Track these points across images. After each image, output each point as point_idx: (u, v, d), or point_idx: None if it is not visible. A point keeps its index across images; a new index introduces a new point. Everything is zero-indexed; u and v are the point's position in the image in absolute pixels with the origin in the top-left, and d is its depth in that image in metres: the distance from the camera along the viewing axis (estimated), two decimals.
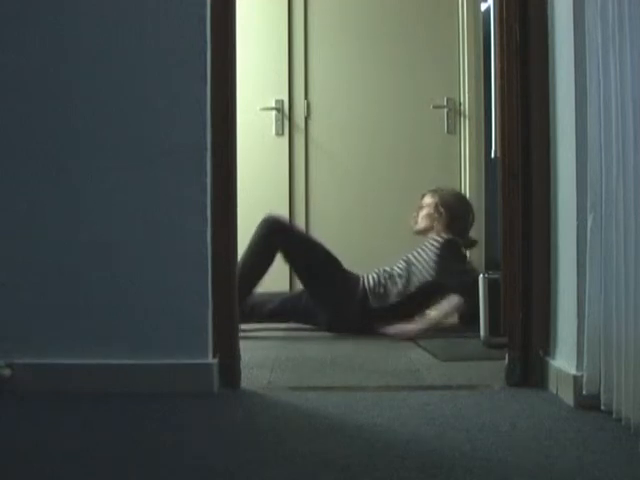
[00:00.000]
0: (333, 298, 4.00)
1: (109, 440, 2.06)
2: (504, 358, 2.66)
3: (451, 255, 3.99)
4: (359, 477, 1.73)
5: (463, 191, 4.70)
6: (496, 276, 3.15)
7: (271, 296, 4.07)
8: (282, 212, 4.43)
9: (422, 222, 4.15)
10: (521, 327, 2.62)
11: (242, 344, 2.71)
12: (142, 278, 2.57)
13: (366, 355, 3.36)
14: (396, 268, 4.04)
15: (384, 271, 4.05)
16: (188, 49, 2.56)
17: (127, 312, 2.56)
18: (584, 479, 1.70)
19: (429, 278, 3.95)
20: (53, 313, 2.56)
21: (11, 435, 2.11)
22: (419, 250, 4.05)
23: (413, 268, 3.99)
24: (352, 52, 4.82)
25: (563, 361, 2.46)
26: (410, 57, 4.78)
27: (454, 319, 4.06)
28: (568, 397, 2.35)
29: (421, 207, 4.18)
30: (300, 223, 4.64)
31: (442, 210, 4.09)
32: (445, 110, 4.77)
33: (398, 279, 3.99)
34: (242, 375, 2.65)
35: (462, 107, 4.77)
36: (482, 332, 3.42)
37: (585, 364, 2.27)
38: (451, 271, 3.91)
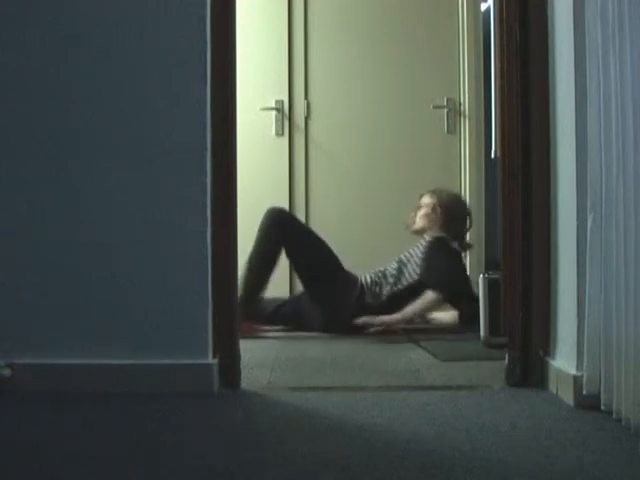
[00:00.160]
0: (332, 296, 4.01)
1: (109, 440, 2.06)
2: (504, 358, 2.66)
3: (437, 252, 4.01)
4: (359, 477, 1.73)
5: (463, 191, 4.71)
6: (496, 276, 3.15)
7: (267, 302, 4.07)
8: None
9: (420, 222, 4.17)
10: (521, 327, 2.62)
11: (242, 344, 2.71)
12: (142, 278, 2.57)
13: (366, 355, 3.36)
14: (389, 268, 4.08)
15: (379, 271, 4.08)
16: (188, 49, 2.56)
17: (127, 312, 2.56)
18: (584, 479, 1.70)
19: (416, 277, 3.98)
20: (53, 313, 2.56)
21: (11, 435, 2.11)
22: (410, 250, 4.09)
23: (403, 268, 4.03)
24: (352, 52, 4.82)
25: (563, 361, 2.46)
26: (410, 57, 4.78)
27: (454, 316, 4.08)
28: (568, 397, 2.35)
29: (419, 207, 4.19)
30: (305, 224, 4.64)
31: (439, 211, 4.10)
32: (445, 110, 4.77)
33: (390, 278, 4.03)
34: (242, 375, 2.65)
35: (462, 107, 4.77)
36: (482, 332, 3.42)
37: (585, 364, 2.27)
38: (433, 268, 3.94)
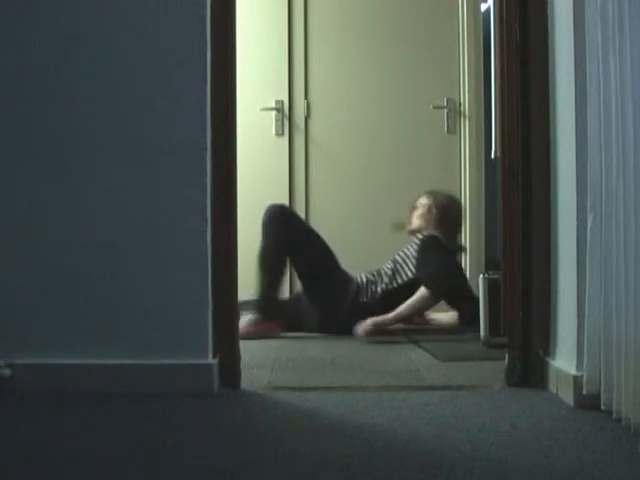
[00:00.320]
0: (329, 295, 4.01)
1: (109, 440, 2.06)
2: (504, 358, 2.66)
3: (429, 249, 4.02)
4: (359, 477, 1.73)
5: (463, 191, 4.71)
6: (496, 276, 3.15)
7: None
8: None
9: (416, 222, 4.19)
10: (521, 327, 2.62)
11: (242, 344, 2.71)
12: (142, 278, 2.57)
13: (366, 355, 3.36)
14: (384, 267, 4.10)
15: (374, 270, 4.10)
16: (188, 49, 2.56)
17: (127, 312, 2.56)
18: (584, 479, 1.70)
19: (411, 275, 3.99)
20: (53, 313, 2.56)
21: (11, 435, 2.11)
22: (404, 249, 4.11)
23: (398, 266, 4.06)
24: (352, 52, 4.82)
25: (563, 361, 2.46)
26: (410, 57, 4.78)
27: (453, 316, 4.08)
28: (568, 397, 2.35)
29: (416, 207, 4.20)
30: (305, 221, 4.63)
31: (434, 211, 4.12)
32: (445, 110, 4.77)
33: (385, 277, 4.05)
34: (242, 375, 2.65)
35: (462, 107, 4.77)
36: (482, 332, 3.42)
37: (585, 364, 2.26)
38: (425, 263, 3.95)
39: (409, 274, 4.00)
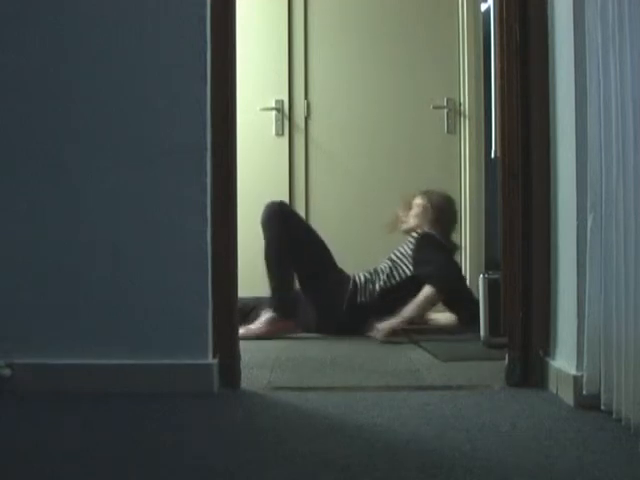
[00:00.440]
0: (325, 295, 4.01)
1: (109, 440, 2.06)
2: (504, 358, 2.66)
3: (428, 247, 4.03)
4: (359, 477, 1.73)
5: (463, 191, 4.71)
6: (496, 276, 3.15)
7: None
8: None
9: (411, 221, 4.19)
10: (521, 327, 2.62)
11: (242, 344, 2.71)
12: (142, 278, 2.57)
13: (366, 355, 3.36)
14: (380, 266, 4.10)
15: (372, 269, 4.09)
16: (188, 49, 2.56)
17: (127, 312, 2.56)
18: (584, 479, 1.70)
19: (409, 273, 4.00)
20: (53, 313, 2.56)
21: (11, 435, 2.11)
22: (400, 248, 4.12)
23: (395, 264, 4.07)
24: (352, 52, 4.82)
25: (563, 361, 2.46)
26: (410, 57, 4.78)
27: (452, 317, 4.08)
28: (568, 397, 2.35)
29: (410, 207, 4.20)
30: (304, 219, 4.63)
31: (431, 211, 4.12)
32: (445, 110, 4.77)
33: (382, 275, 4.05)
34: (242, 375, 2.65)
35: (462, 107, 4.77)
36: (482, 332, 3.42)
37: (585, 364, 2.26)
38: (428, 262, 3.95)
39: (407, 272, 4.01)
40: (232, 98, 2.64)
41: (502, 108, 2.70)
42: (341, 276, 4.07)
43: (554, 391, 2.48)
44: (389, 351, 3.46)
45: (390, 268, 4.05)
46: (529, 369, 2.60)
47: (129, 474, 1.79)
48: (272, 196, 4.37)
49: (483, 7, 4.64)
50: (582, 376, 2.27)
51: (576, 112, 2.35)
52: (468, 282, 4.31)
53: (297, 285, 4.14)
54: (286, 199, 4.67)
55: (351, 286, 4.03)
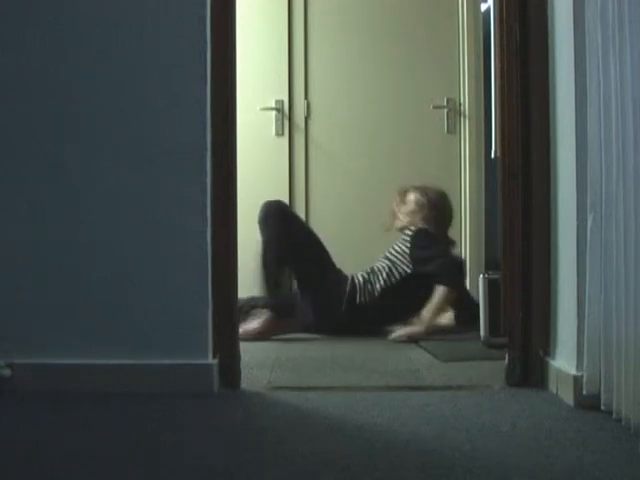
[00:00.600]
0: (323, 296, 3.99)
1: (109, 440, 2.06)
2: (504, 358, 2.67)
3: (422, 243, 3.99)
4: (359, 477, 1.73)
5: (463, 191, 4.70)
6: (496, 276, 3.15)
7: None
8: None
9: (405, 218, 4.15)
10: (521, 327, 2.62)
11: (242, 344, 2.71)
12: (142, 278, 2.57)
13: (366, 355, 3.36)
14: (377, 265, 4.07)
15: (369, 269, 4.07)
16: (188, 49, 2.56)
17: (127, 312, 2.56)
18: (584, 479, 1.70)
19: (408, 271, 3.97)
20: (53, 313, 2.56)
21: (11, 435, 2.11)
22: (395, 246, 4.08)
23: (393, 263, 4.03)
24: (352, 52, 4.82)
25: (563, 361, 2.46)
26: (410, 57, 4.78)
27: (450, 317, 4.07)
28: (568, 397, 2.35)
29: (403, 203, 4.17)
30: (302, 218, 4.63)
31: (426, 207, 4.09)
32: (445, 110, 4.77)
33: (380, 275, 4.02)
34: (242, 375, 2.65)
35: (462, 107, 4.77)
36: (482, 332, 3.42)
37: (585, 364, 2.26)
38: (424, 260, 3.92)
39: (406, 270, 3.98)
40: (232, 98, 2.64)
41: (502, 108, 2.70)
42: (339, 277, 4.05)
43: (554, 391, 2.48)
44: (389, 351, 3.46)
45: (389, 267, 4.02)
46: (529, 369, 2.60)
47: (129, 474, 1.79)
48: (272, 196, 4.37)
49: (483, 7, 4.64)
50: (582, 376, 2.27)
51: (576, 112, 2.35)
52: (468, 282, 4.30)
53: (295, 285, 4.14)
54: (286, 199, 4.67)
55: (349, 287, 4.01)
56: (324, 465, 1.81)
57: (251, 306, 3.97)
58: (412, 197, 4.16)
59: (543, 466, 1.79)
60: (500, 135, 2.74)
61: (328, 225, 4.55)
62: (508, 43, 2.64)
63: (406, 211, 4.16)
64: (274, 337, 3.82)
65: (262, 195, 4.30)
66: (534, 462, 1.82)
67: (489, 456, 1.86)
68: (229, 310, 2.63)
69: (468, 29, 4.72)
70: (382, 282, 4.00)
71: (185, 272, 2.56)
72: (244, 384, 2.64)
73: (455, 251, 4.26)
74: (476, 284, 3.60)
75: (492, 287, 3.29)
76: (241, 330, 3.54)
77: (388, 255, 4.07)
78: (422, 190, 4.16)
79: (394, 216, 4.21)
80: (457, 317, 4.01)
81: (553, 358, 2.55)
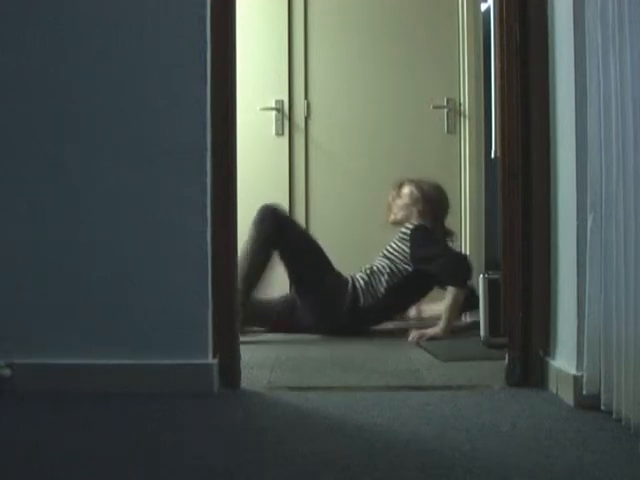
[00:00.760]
0: (323, 300, 3.97)
1: (109, 440, 2.06)
2: (504, 358, 2.67)
3: (421, 241, 3.95)
4: (359, 477, 1.73)
5: (463, 191, 4.70)
6: (496, 276, 3.15)
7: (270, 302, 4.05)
8: None
9: (400, 212, 4.12)
10: (521, 327, 2.62)
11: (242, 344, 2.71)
12: (142, 278, 2.57)
13: (366, 355, 3.36)
14: (377, 264, 4.03)
15: (367, 269, 4.03)
16: (188, 49, 2.56)
17: (127, 312, 2.56)
18: (584, 479, 1.70)
19: (410, 269, 3.94)
20: (53, 313, 2.56)
21: (11, 435, 2.11)
22: (393, 242, 4.04)
23: (392, 262, 3.98)
24: (352, 52, 4.81)
25: (563, 361, 2.46)
26: (410, 57, 4.78)
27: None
28: (568, 397, 2.35)
29: (398, 197, 4.15)
30: (300, 223, 4.63)
31: (421, 201, 4.05)
32: (445, 110, 4.77)
33: (380, 275, 3.98)
34: (242, 375, 2.65)
35: (462, 107, 4.76)
36: (482, 332, 3.42)
37: (585, 364, 2.27)
38: (427, 257, 3.89)
39: (407, 268, 3.94)
40: (232, 98, 2.64)
41: (502, 108, 2.70)
42: (339, 281, 4.00)
43: (554, 391, 2.48)
44: (389, 351, 3.45)
45: (389, 267, 3.98)
46: (529, 369, 2.60)
47: (129, 474, 1.79)
48: (272, 196, 4.38)
49: (483, 7, 4.64)
50: (582, 376, 2.27)
51: (576, 112, 2.35)
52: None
53: (293, 289, 4.11)
54: (286, 199, 4.67)
55: (350, 290, 3.97)
56: (324, 465, 1.81)
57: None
58: (407, 190, 4.12)
59: (543, 466, 1.79)
60: (500, 135, 2.74)
61: (328, 225, 4.55)
62: (508, 43, 2.64)
63: (401, 204, 4.12)
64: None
65: (262, 195, 4.30)
66: (534, 462, 1.82)
67: (489, 456, 1.86)
68: (229, 310, 2.63)
69: (468, 29, 4.71)
70: (385, 283, 3.95)
71: (185, 272, 2.57)
72: (244, 384, 2.64)
73: (454, 243, 4.21)
74: (476, 284, 3.60)
75: (492, 287, 3.29)
76: None
77: (387, 254, 4.03)
78: (417, 183, 4.12)
79: (389, 208, 4.18)
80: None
81: (553, 358, 2.55)
